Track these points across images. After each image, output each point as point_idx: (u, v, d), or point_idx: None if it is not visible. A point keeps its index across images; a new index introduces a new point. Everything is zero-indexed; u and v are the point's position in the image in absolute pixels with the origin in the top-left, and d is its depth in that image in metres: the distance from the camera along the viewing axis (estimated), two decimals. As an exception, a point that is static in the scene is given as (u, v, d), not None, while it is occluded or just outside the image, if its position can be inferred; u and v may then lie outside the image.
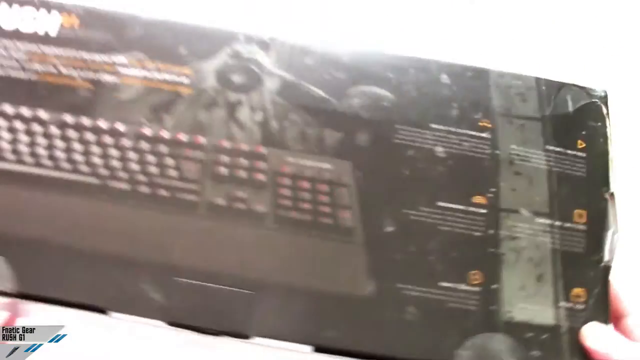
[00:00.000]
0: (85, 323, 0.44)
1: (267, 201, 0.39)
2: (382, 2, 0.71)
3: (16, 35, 0.42)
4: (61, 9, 0.42)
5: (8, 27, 0.42)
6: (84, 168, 0.39)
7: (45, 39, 0.42)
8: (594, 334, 0.37)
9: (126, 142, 0.40)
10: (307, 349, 0.37)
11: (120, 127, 0.40)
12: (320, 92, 0.41)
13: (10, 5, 0.42)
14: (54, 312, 0.39)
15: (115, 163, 0.39)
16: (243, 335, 0.37)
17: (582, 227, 0.40)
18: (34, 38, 0.42)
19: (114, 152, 0.39)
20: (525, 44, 0.67)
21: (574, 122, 0.42)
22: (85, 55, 0.41)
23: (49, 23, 0.42)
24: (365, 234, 0.39)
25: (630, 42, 0.65)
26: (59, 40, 0.42)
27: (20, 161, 0.39)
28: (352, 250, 0.39)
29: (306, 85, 0.41)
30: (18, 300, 0.39)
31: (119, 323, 0.40)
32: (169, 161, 0.39)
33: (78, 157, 0.39)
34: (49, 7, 0.42)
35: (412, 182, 0.40)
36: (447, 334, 0.38)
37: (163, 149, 0.40)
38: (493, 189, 0.40)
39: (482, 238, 0.39)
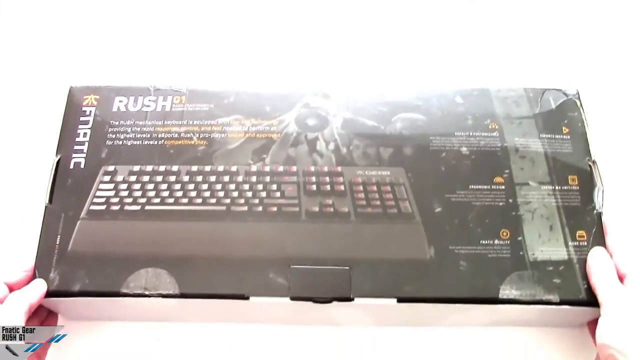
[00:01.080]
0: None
1: (348, 204, 0.52)
2: (383, 3, 0.75)
3: (142, 115, 0.57)
4: (171, 92, 0.58)
5: (134, 109, 0.57)
6: (212, 200, 0.53)
7: (163, 115, 0.56)
8: (592, 254, 0.50)
9: (239, 178, 0.54)
10: (393, 301, 0.49)
11: (233, 168, 0.54)
12: (372, 122, 0.56)
13: (127, 97, 0.57)
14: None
15: (234, 193, 0.53)
16: (348, 299, 0.49)
17: (575, 187, 0.52)
18: (155, 115, 0.56)
19: (231, 186, 0.53)
20: (524, 44, 0.71)
21: (557, 115, 0.55)
22: (197, 122, 0.56)
23: (164, 103, 0.57)
24: (421, 215, 0.51)
25: (598, 46, 0.70)
26: (173, 114, 0.56)
27: (163, 202, 0.53)
28: (414, 228, 0.51)
29: (361, 119, 0.56)
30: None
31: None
32: (273, 187, 0.53)
33: (206, 194, 0.53)
34: (164, 94, 0.58)
35: (448, 175, 0.53)
36: (491, 276, 0.49)
37: (267, 179, 0.53)
38: (507, 171, 0.53)
39: (505, 206, 0.52)
